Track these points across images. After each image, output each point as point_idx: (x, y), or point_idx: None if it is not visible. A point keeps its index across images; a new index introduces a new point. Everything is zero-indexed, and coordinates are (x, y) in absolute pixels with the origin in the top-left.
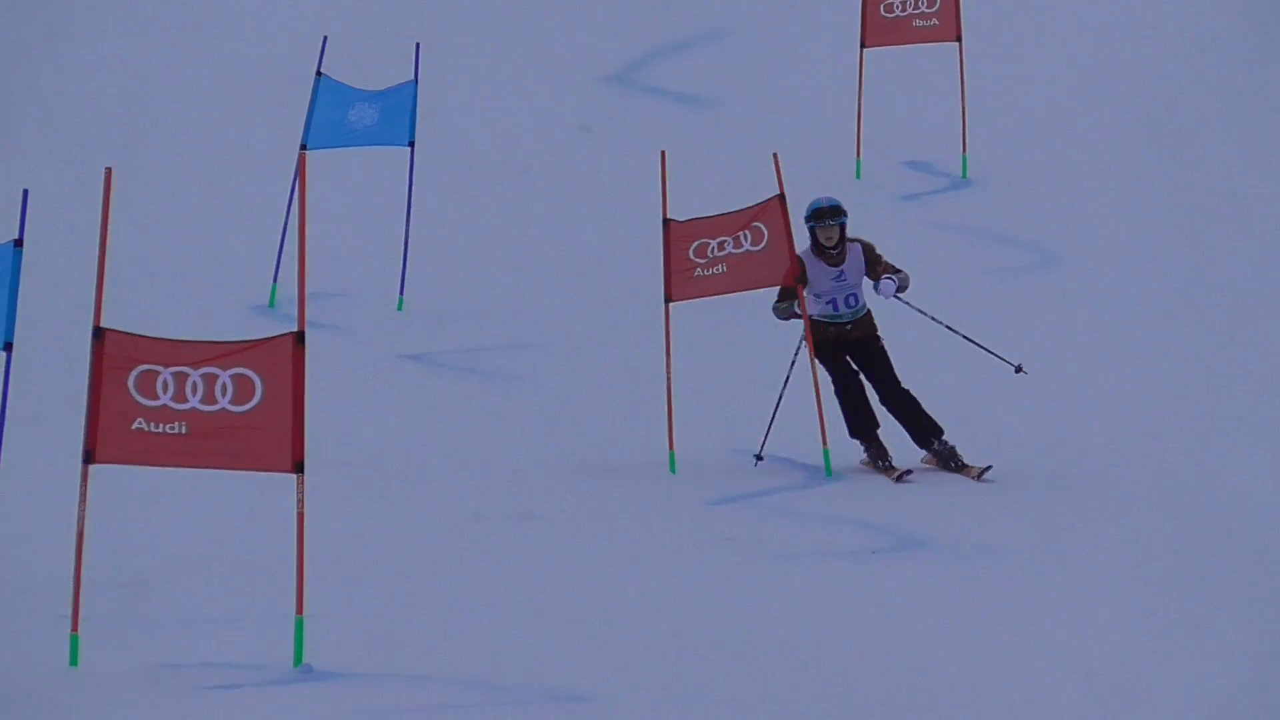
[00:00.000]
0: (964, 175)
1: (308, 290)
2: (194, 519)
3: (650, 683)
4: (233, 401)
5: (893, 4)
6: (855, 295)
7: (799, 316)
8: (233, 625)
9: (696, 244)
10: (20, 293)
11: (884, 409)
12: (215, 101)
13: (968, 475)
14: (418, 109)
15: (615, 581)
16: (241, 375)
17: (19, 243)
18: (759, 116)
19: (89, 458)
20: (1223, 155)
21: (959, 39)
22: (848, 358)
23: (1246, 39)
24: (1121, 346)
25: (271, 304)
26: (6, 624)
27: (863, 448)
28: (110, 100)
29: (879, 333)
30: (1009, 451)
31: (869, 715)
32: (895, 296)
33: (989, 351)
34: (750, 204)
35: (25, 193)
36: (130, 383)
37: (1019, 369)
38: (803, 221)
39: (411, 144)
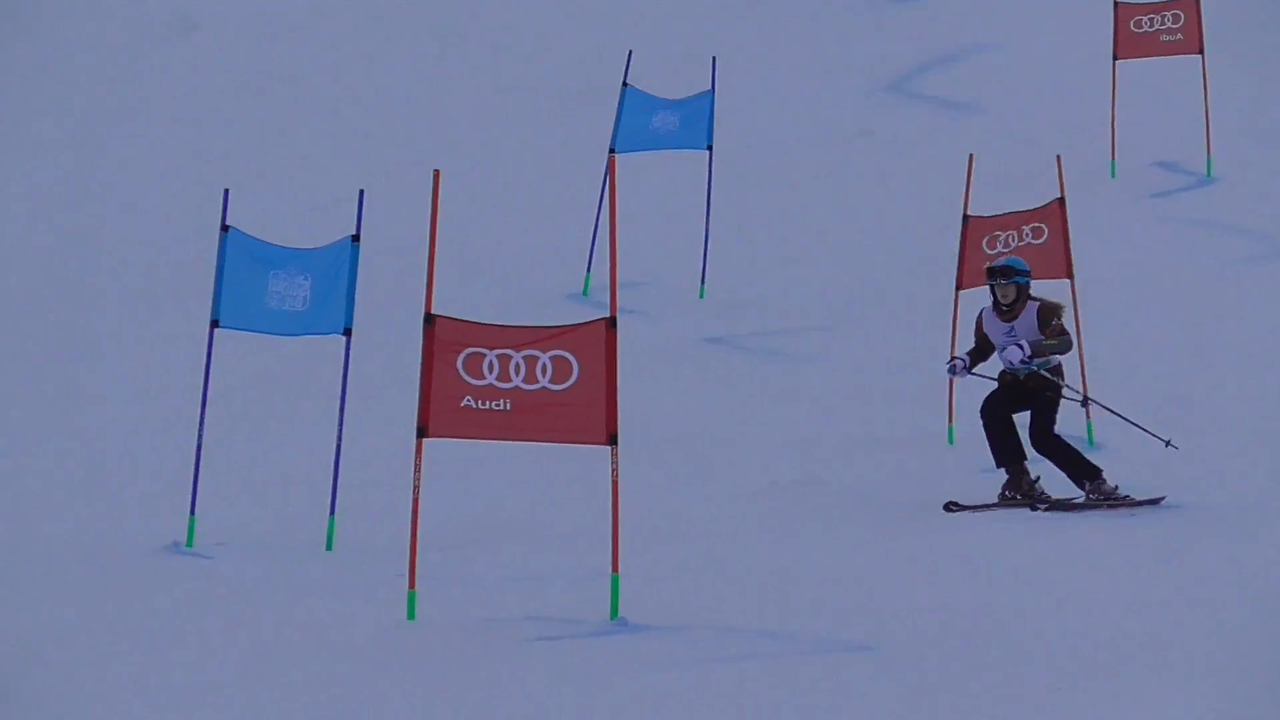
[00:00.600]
0: (1208, 174)
1: (618, 280)
2: (516, 487)
3: (929, 632)
4: (552, 380)
5: (1141, 20)
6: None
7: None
8: (552, 583)
9: (988, 237)
10: (357, 283)
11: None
12: (529, 110)
13: (1129, 505)
14: (714, 116)
15: (897, 541)
16: (560, 357)
17: (356, 238)
18: (1021, 121)
19: (422, 433)
20: None
21: (1201, 51)
22: (1027, 406)
23: None
24: None
25: (585, 293)
26: (352, 582)
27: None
28: (434, 108)
29: (1062, 384)
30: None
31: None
32: (1025, 363)
33: (1138, 426)
34: (1030, 205)
35: (361, 193)
36: (459, 364)
37: (1169, 444)
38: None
39: (710, 147)
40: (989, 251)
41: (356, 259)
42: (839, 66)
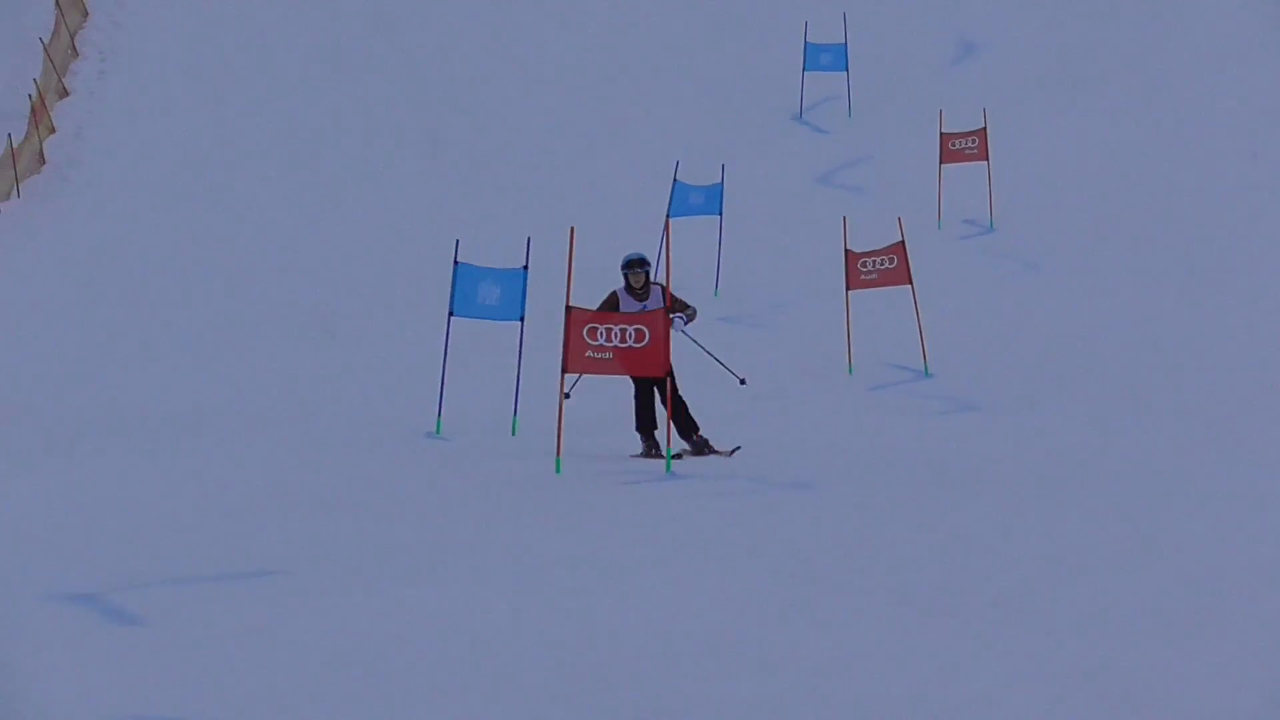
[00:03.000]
0: (991, 227)
1: (671, 285)
2: (613, 401)
3: (851, 474)
4: (634, 341)
5: (955, 140)
6: None
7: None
8: (635, 453)
9: (860, 261)
10: (529, 295)
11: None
12: (615, 181)
13: (720, 455)
14: (724, 193)
15: (822, 422)
16: (639, 329)
17: (525, 268)
18: (887, 197)
19: (564, 369)
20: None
21: (987, 159)
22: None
23: None
24: None
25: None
26: (525, 451)
27: (641, 439)
28: (587, 178)
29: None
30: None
31: None
32: (683, 331)
33: (720, 363)
34: (887, 244)
35: (528, 239)
36: (584, 332)
37: (742, 381)
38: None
39: (720, 213)
40: (861, 270)
41: (526, 278)
42: (793, 166)
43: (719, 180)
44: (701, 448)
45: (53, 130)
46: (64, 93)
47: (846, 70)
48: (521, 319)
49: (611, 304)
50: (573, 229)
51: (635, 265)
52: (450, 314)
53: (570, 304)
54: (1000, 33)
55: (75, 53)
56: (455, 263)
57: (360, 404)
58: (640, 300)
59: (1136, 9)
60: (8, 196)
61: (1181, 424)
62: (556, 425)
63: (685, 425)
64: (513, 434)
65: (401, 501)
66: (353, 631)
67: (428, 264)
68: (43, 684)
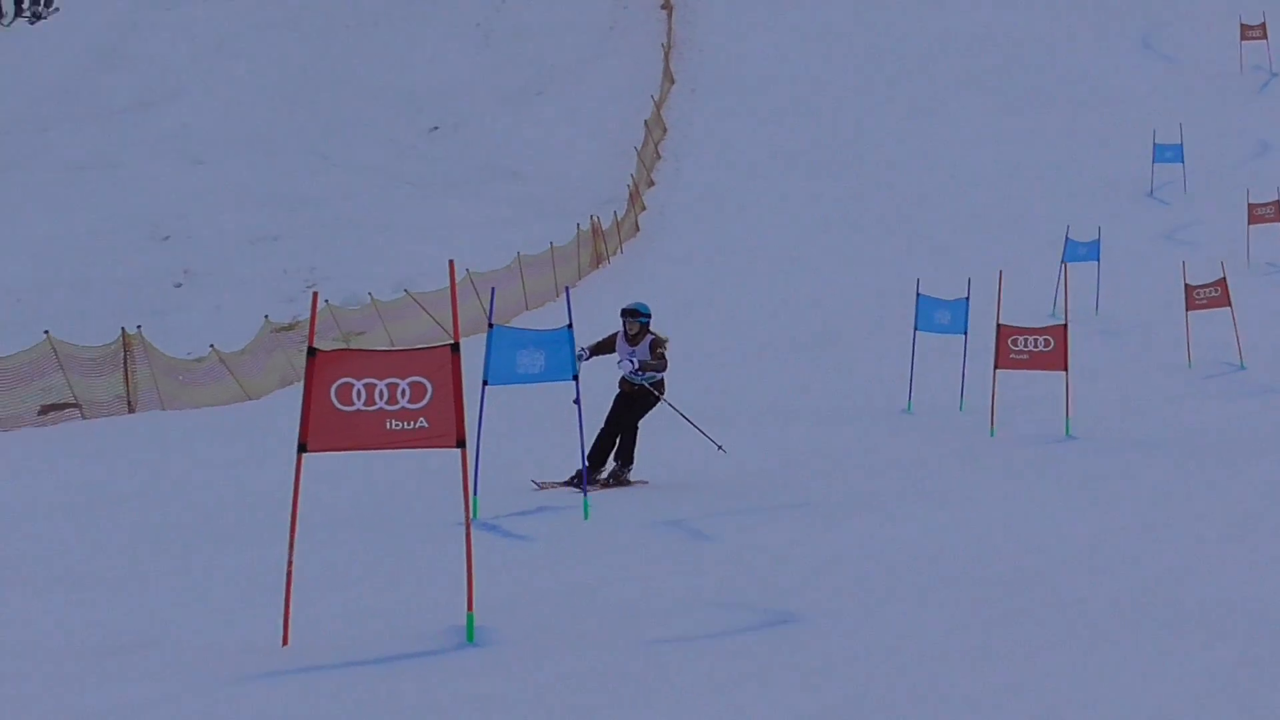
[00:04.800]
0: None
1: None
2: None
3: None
4: (1043, 347)
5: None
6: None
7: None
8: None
9: (1012, 338)
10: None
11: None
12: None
13: (626, 485)
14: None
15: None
16: (1047, 338)
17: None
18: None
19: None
20: None
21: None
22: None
23: None
24: None
25: None
26: (969, 427)
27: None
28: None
29: (661, 395)
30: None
31: None
32: (636, 374)
33: (699, 429)
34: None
35: (969, 279)
36: (1009, 340)
37: (720, 448)
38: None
39: (1098, 260)
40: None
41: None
42: (1147, 227)
43: (1096, 237)
44: (619, 476)
45: (644, 209)
46: (650, 183)
47: (1183, 162)
48: (965, 332)
49: (610, 338)
50: (1000, 272)
51: (629, 314)
52: (915, 330)
53: (1001, 322)
54: None
55: (659, 156)
56: (918, 295)
57: (846, 390)
58: (632, 346)
59: None
60: (616, 252)
61: None
62: (990, 401)
63: (627, 456)
64: (959, 411)
65: (888, 456)
66: (859, 540)
67: (891, 297)
68: (640, 576)
